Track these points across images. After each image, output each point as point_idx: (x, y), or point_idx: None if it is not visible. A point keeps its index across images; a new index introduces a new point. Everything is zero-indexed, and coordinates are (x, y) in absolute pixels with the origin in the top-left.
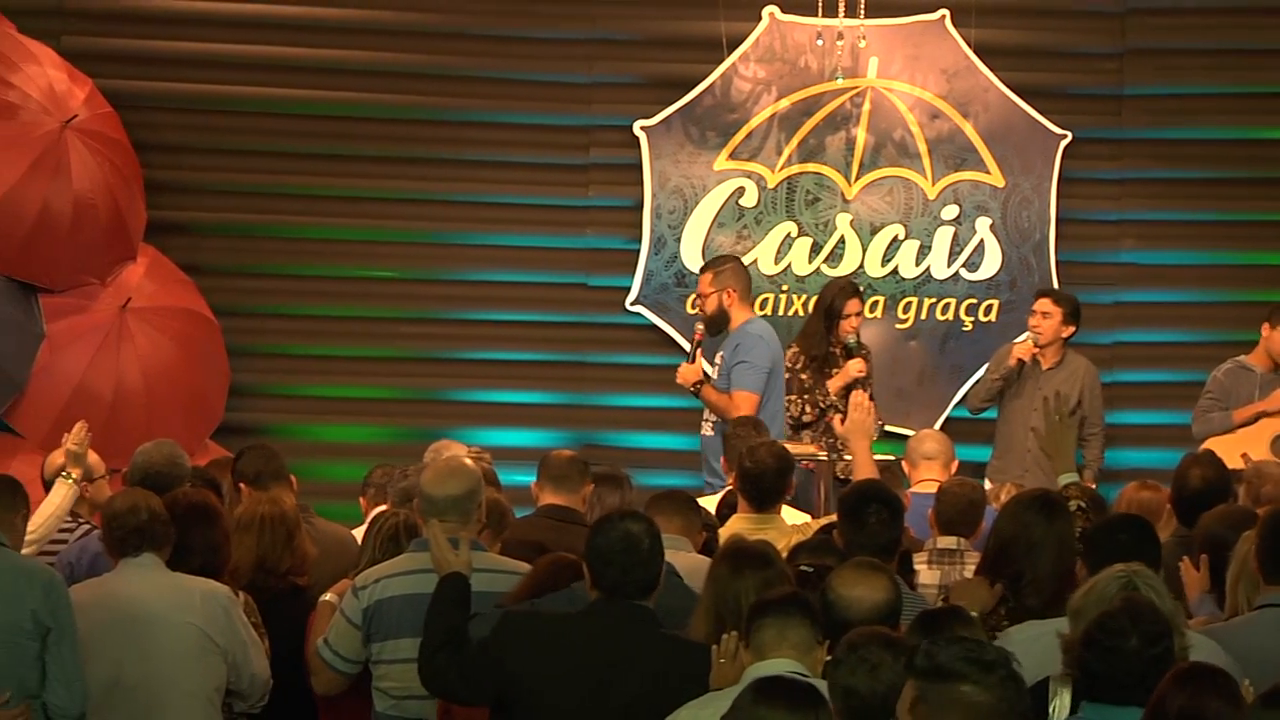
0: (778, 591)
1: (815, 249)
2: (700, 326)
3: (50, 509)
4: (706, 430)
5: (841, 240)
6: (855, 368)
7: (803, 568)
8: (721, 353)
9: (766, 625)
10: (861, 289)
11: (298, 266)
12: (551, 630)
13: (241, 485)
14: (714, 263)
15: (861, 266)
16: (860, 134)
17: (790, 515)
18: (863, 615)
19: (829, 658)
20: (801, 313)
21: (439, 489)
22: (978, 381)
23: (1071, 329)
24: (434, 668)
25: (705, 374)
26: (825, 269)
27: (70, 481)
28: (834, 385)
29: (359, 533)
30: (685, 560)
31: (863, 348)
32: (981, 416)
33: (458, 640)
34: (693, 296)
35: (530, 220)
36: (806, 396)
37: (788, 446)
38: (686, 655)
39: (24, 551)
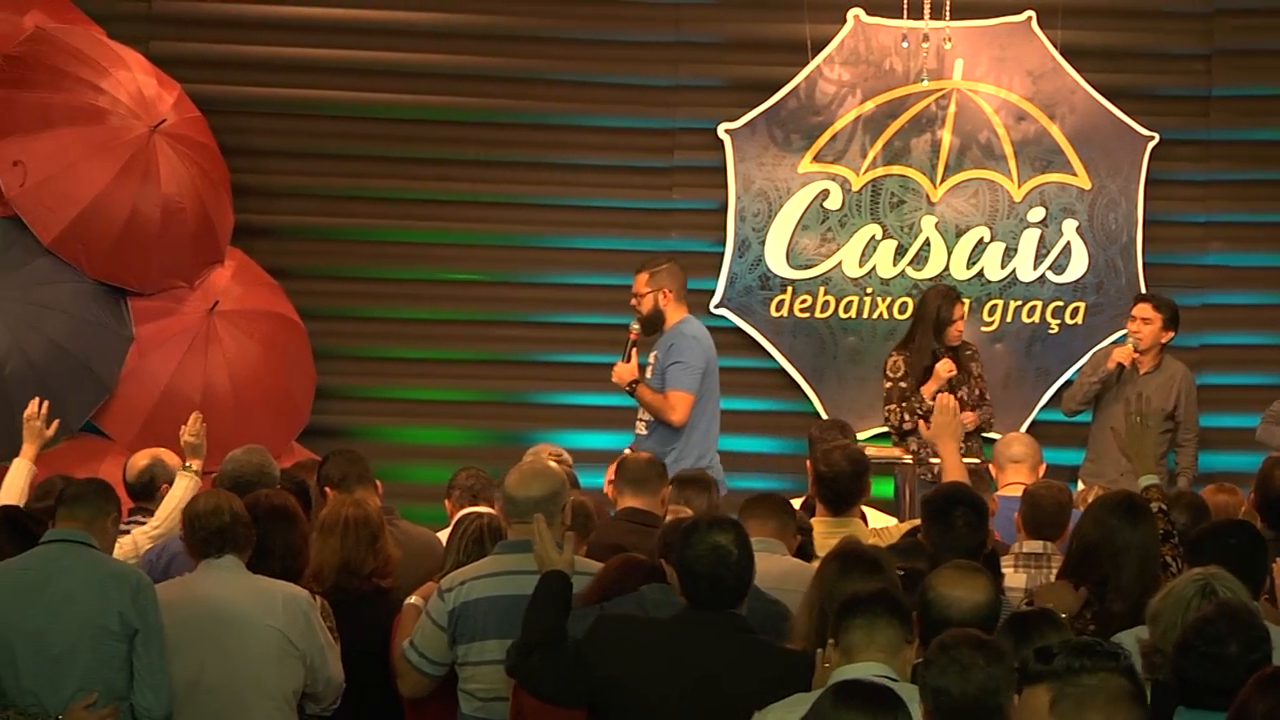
0: (867, 589)
1: (900, 252)
2: (635, 326)
3: (173, 502)
4: (640, 430)
5: (926, 243)
6: (944, 369)
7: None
8: (655, 352)
9: (855, 626)
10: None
11: (383, 270)
12: (646, 636)
13: (327, 489)
14: (650, 263)
15: (946, 269)
16: (945, 136)
17: (877, 519)
18: (962, 616)
19: (919, 659)
20: (886, 316)
21: (522, 491)
22: (1073, 384)
23: (1170, 334)
24: (529, 666)
25: (640, 373)
26: (910, 272)
27: (191, 472)
28: (928, 390)
29: (444, 535)
30: (779, 564)
31: (969, 347)
32: (1072, 420)
33: (555, 639)
34: (779, 298)
35: (614, 223)
36: (905, 405)
37: (870, 450)
38: (780, 661)
39: (151, 546)
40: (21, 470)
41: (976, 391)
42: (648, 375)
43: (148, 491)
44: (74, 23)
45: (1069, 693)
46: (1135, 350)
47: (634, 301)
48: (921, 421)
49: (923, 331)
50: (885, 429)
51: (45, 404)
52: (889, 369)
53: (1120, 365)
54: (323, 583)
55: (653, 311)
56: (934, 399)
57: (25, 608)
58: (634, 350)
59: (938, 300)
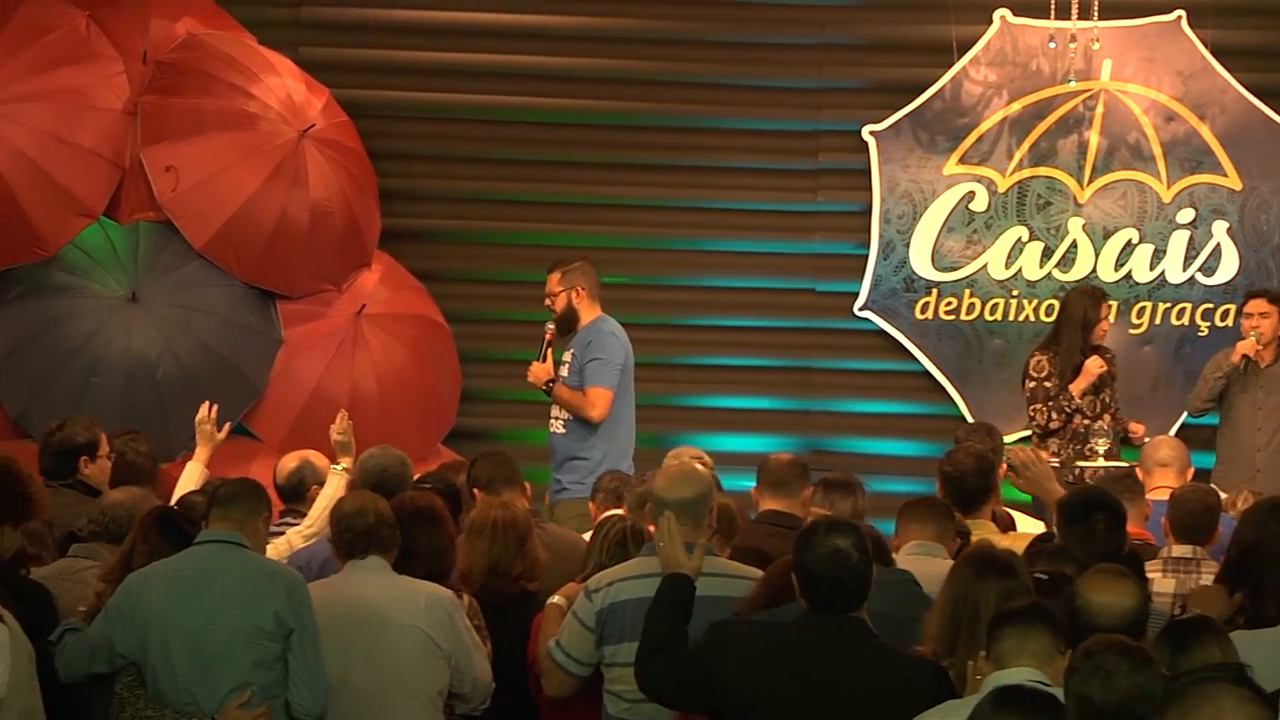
0: (1019, 602)
1: (1047, 254)
2: (550, 326)
3: (325, 500)
4: (557, 429)
5: (1074, 245)
6: (1095, 365)
7: (1037, 575)
8: (572, 350)
9: (1007, 635)
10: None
11: (529, 273)
12: (765, 641)
13: (475, 490)
14: (561, 262)
15: (1094, 271)
16: (1093, 137)
17: (1026, 524)
18: (1111, 621)
19: None
20: (1033, 318)
21: (671, 492)
22: (1198, 382)
23: None
24: (650, 671)
25: (555, 373)
26: (1057, 274)
27: (342, 470)
28: (1077, 388)
29: (589, 537)
30: (939, 567)
31: (1106, 351)
32: (1204, 421)
33: (675, 644)
34: (924, 301)
35: (758, 225)
36: (1051, 404)
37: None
38: (903, 666)
39: (306, 545)
40: (194, 473)
41: (1108, 395)
42: (564, 374)
43: (297, 493)
44: (225, 29)
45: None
46: (1256, 344)
47: (547, 301)
48: (1012, 475)
49: (1070, 332)
50: (1029, 431)
51: (215, 407)
52: (1033, 369)
53: (1245, 358)
54: (471, 585)
55: (566, 310)
56: (1083, 397)
57: (182, 608)
58: (549, 350)
59: (1084, 301)
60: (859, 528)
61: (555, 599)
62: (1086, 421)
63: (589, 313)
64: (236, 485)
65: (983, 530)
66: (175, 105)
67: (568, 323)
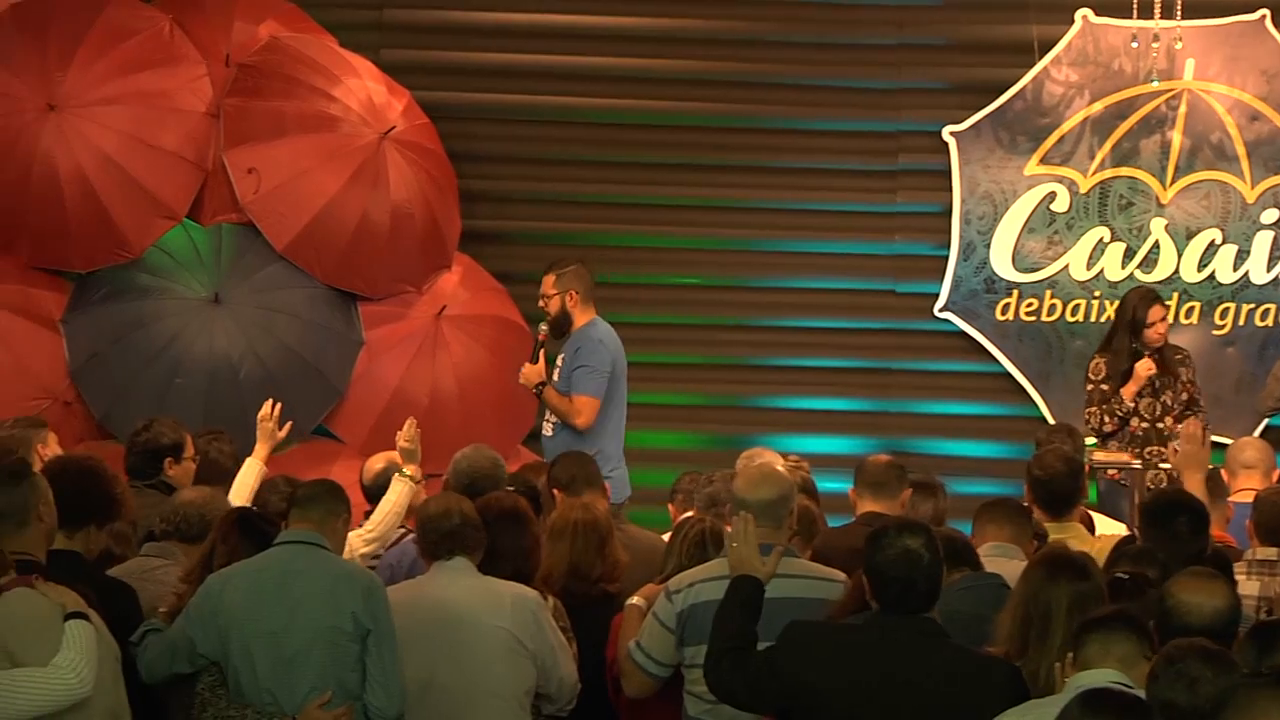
0: (1106, 609)
1: (1129, 254)
2: (544, 327)
3: (389, 506)
4: (546, 431)
5: (1156, 245)
6: (1144, 368)
7: (1119, 575)
8: (563, 354)
9: (1091, 640)
10: (1174, 297)
11: (608, 274)
12: (837, 642)
13: (555, 491)
14: (557, 264)
15: (1177, 272)
16: (1176, 137)
17: (1106, 526)
18: (1203, 622)
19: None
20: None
21: (752, 493)
22: (1268, 382)
23: None
24: (719, 672)
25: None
26: (1139, 274)
27: (406, 478)
28: (1128, 391)
29: (668, 538)
30: (1017, 568)
31: (1179, 351)
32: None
33: (745, 645)
34: (1004, 302)
35: (838, 226)
36: (1105, 407)
37: (1099, 455)
38: (975, 666)
39: (367, 550)
40: (252, 470)
41: (1185, 396)
42: (554, 378)
43: (383, 494)
44: (307, 32)
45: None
46: None
47: (541, 303)
48: (1172, 447)
49: (1121, 333)
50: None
51: (278, 406)
52: (1090, 371)
53: None
54: (551, 586)
55: (560, 313)
56: (1135, 401)
57: (262, 608)
58: (542, 351)
59: (1134, 301)
60: (930, 529)
61: (634, 600)
62: (1145, 425)
63: (582, 316)
64: (316, 486)
65: (1072, 534)
66: (257, 108)
67: (561, 325)
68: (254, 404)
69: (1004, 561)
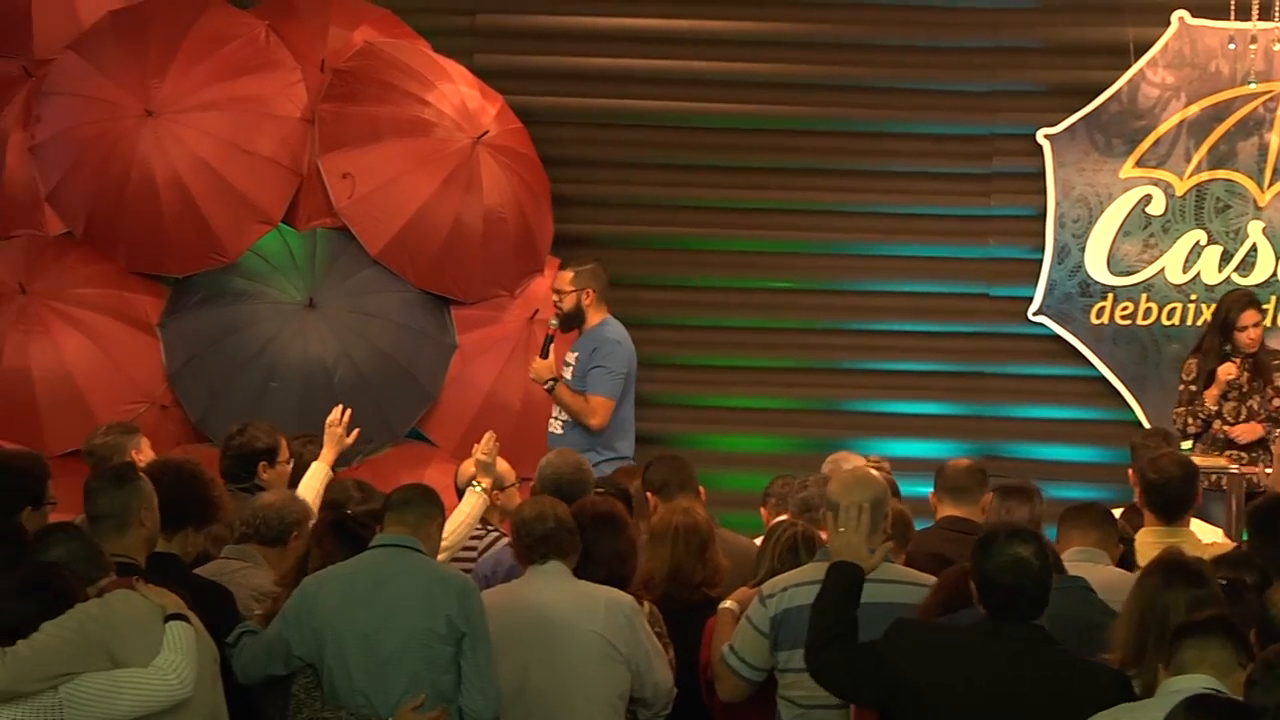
0: (1203, 614)
1: (1225, 257)
2: (554, 323)
3: (460, 518)
4: (555, 429)
5: (1253, 248)
6: (1224, 372)
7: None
8: (576, 352)
9: (1187, 646)
10: (1272, 301)
11: (701, 278)
12: (945, 643)
13: (649, 494)
14: (574, 261)
15: (1274, 275)
16: (1274, 140)
17: (1204, 531)
18: None
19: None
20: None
21: (846, 497)
22: None
23: None
24: (822, 661)
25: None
26: (1236, 278)
27: (479, 490)
28: (1210, 395)
29: (760, 542)
30: (1102, 574)
31: (1277, 355)
32: None
33: (849, 633)
34: (1099, 306)
35: (932, 230)
36: (1189, 409)
37: (1197, 459)
38: (1084, 674)
39: (437, 559)
40: (318, 474)
41: (1276, 402)
42: (567, 375)
43: None
44: (401, 37)
45: None
46: None
47: (555, 299)
48: (1262, 468)
49: (1213, 335)
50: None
51: (348, 412)
52: (1183, 372)
53: None
54: (653, 591)
55: (574, 310)
56: (1219, 404)
57: (357, 610)
58: (551, 347)
59: (1229, 304)
60: (1040, 536)
61: (727, 604)
62: (1226, 428)
63: (595, 314)
64: (411, 490)
65: (1184, 539)
66: (352, 113)
67: (572, 322)
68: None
69: (1089, 567)
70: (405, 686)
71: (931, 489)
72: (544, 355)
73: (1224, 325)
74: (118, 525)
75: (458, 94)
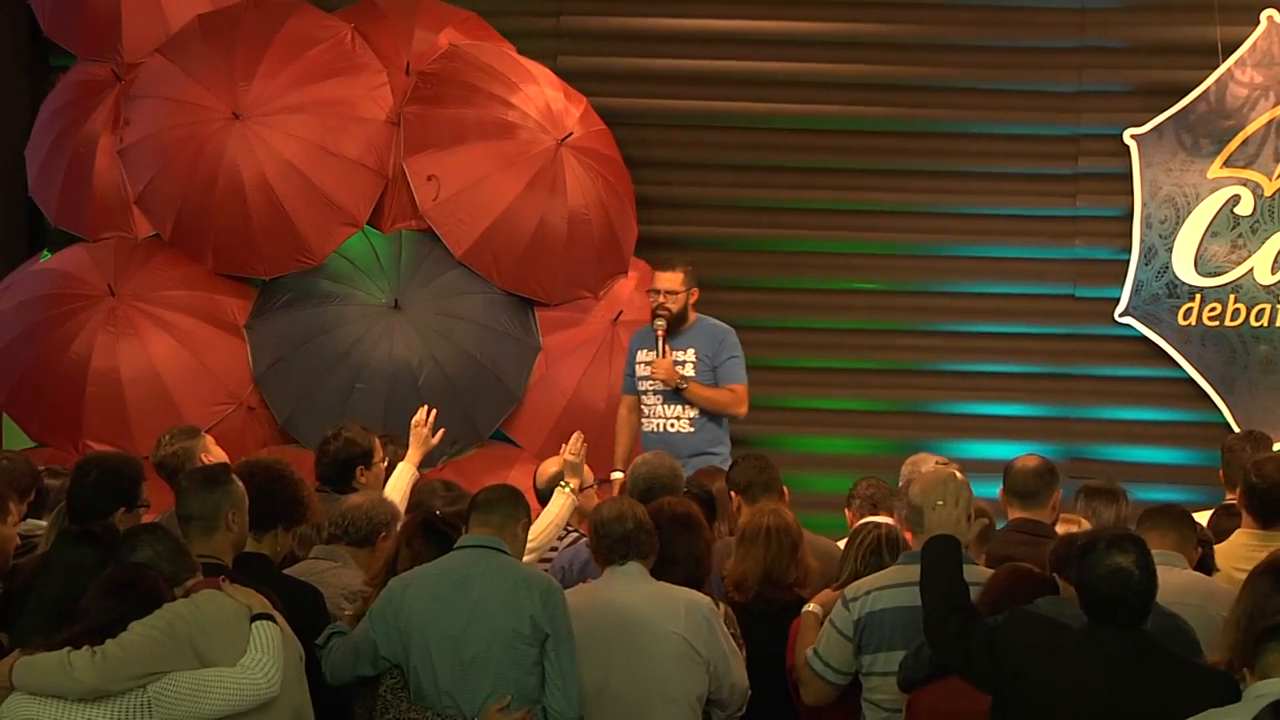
0: None
1: None
2: (663, 323)
3: (549, 518)
4: (683, 427)
5: None
6: None
7: None
8: (691, 348)
9: (1271, 648)
10: None
11: (785, 279)
12: (1058, 643)
13: (734, 494)
14: (679, 262)
15: None
16: None
17: None
18: None
19: None
20: None
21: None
22: None
23: None
24: (944, 633)
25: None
26: None
27: (568, 491)
28: None
29: (844, 544)
30: (1179, 577)
31: None
32: None
33: (966, 605)
34: (1187, 306)
35: (1017, 231)
36: None
37: None
38: (1193, 677)
39: (524, 559)
40: (404, 475)
41: None
42: (689, 373)
43: None
44: (486, 39)
45: None
46: None
47: (665, 299)
48: None
49: None
50: None
51: (433, 412)
52: None
53: None
54: (745, 592)
55: (682, 309)
56: None
57: (442, 611)
58: (666, 348)
59: None
60: (1141, 543)
61: (811, 607)
62: None
63: (693, 312)
64: (496, 491)
65: None
66: (437, 115)
67: (679, 321)
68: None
69: (1166, 570)
70: (490, 687)
71: (1000, 488)
72: (661, 355)
73: None
74: (206, 527)
75: (542, 96)
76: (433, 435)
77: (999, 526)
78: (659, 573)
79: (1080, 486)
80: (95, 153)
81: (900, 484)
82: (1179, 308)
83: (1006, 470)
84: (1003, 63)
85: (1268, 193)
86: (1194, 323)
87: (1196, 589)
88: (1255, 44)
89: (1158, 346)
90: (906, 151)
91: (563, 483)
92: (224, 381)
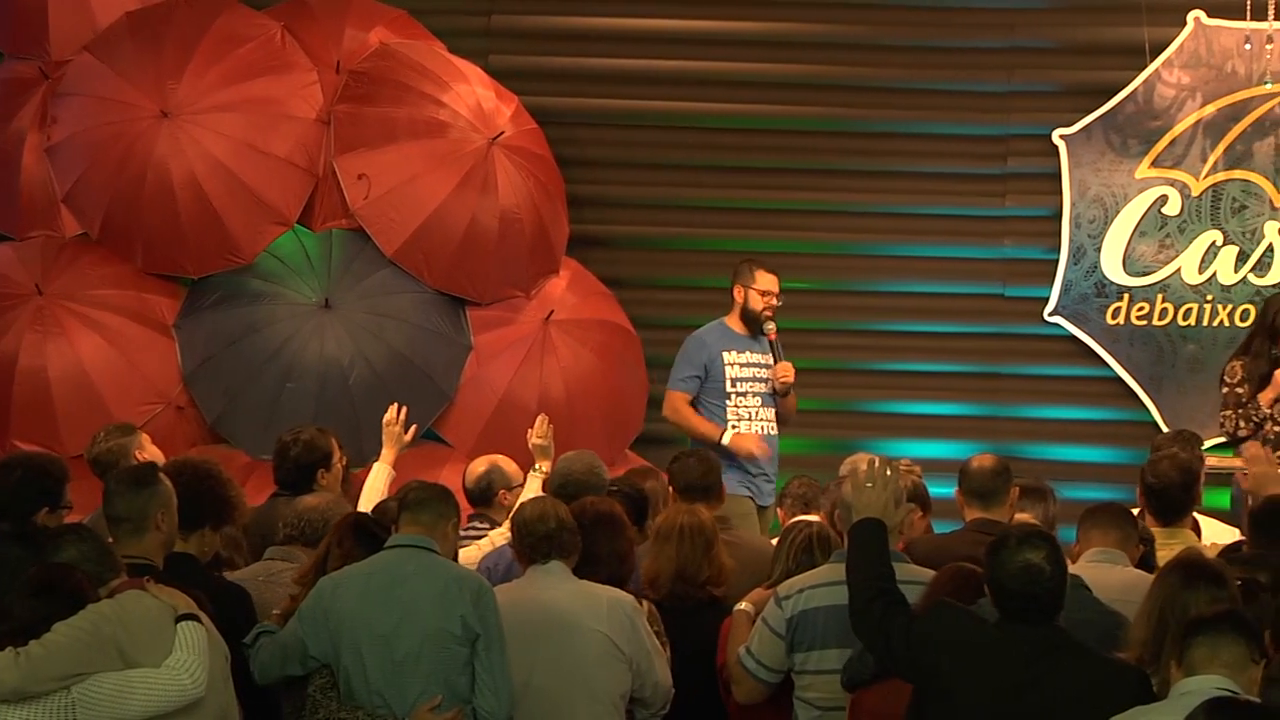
0: (1213, 609)
1: (1241, 258)
2: (772, 326)
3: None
4: (775, 430)
5: (1270, 248)
6: None
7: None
8: (760, 355)
9: (1198, 643)
10: None
11: (717, 279)
12: (975, 637)
13: (672, 489)
14: (767, 265)
15: None
16: None
17: (1213, 530)
18: None
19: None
20: (1226, 323)
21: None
22: None
23: None
24: (870, 615)
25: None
26: (1252, 278)
27: (541, 474)
28: (1265, 398)
29: (776, 543)
30: (1122, 575)
31: None
32: None
33: (891, 589)
34: (1115, 306)
35: (947, 231)
36: (1240, 411)
37: (1212, 460)
38: (1105, 671)
39: (497, 544)
40: (381, 474)
41: None
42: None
43: (485, 497)
44: (417, 38)
45: None
46: None
47: (774, 300)
48: (1241, 476)
49: (1260, 338)
50: (1222, 439)
51: (404, 409)
52: (1226, 374)
53: None
54: (658, 590)
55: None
56: (1271, 407)
57: (373, 611)
58: (780, 351)
59: (1274, 308)
60: (1052, 539)
61: (743, 605)
62: (1278, 429)
63: None
64: (426, 490)
65: (1181, 541)
66: (368, 114)
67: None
68: (364, 408)
69: (1108, 568)
70: (421, 687)
71: (956, 488)
72: (777, 360)
73: (1271, 328)
74: (135, 528)
75: (473, 95)
76: (405, 432)
77: (958, 528)
78: (582, 571)
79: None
80: (22, 151)
81: (829, 484)
82: (1107, 307)
83: (963, 471)
84: (932, 62)
85: (1195, 193)
86: (1122, 322)
87: (1139, 586)
88: (1183, 45)
89: (1086, 345)
90: (837, 151)
91: (535, 466)
92: (153, 381)
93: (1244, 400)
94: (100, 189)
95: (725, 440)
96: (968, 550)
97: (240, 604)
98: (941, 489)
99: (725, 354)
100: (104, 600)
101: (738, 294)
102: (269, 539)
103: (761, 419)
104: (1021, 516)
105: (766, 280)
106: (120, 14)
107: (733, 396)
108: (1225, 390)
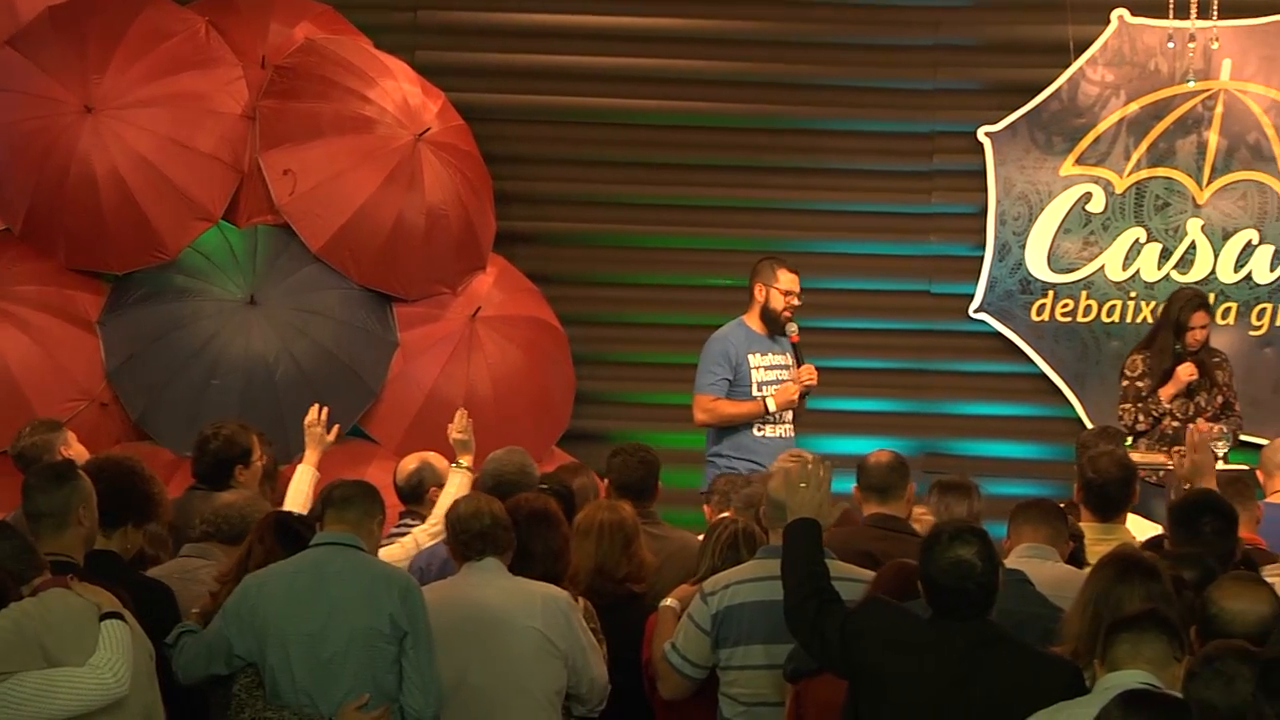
0: (1135, 609)
1: (1165, 255)
2: (795, 328)
3: (448, 499)
4: (790, 434)
5: (1192, 246)
6: (1185, 373)
7: None
8: (786, 353)
9: (1121, 640)
10: (1210, 298)
11: (644, 275)
12: (907, 634)
13: (607, 482)
14: (788, 264)
15: (1213, 272)
16: (1212, 138)
17: (1138, 526)
18: (1247, 629)
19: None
20: (1150, 320)
21: (790, 486)
22: None
23: None
24: (804, 613)
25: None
26: (1175, 275)
27: (463, 469)
28: (1165, 393)
29: (701, 539)
30: (1052, 571)
31: (1216, 354)
32: None
33: (826, 588)
34: (1040, 303)
35: (873, 227)
36: (1140, 405)
37: (1136, 456)
38: (1036, 666)
39: (432, 543)
40: (306, 476)
41: (1220, 399)
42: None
43: (416, 494)
44: (342, 34)
45: None
46: None
47: (795, 301)
48: (1177, 457)
49: (1165, 332)
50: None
51: (325, 410)
52: (1126, 368)
53: None
54: (577, 586)
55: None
56: (1171, 402)
57: (300, 609)
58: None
59: (1180, 303)
60: (984, 535)
61: (668, 601)
62: (1176, 424)
63: None
64: (351, 487)
65: (1119, 537)
66: (293, 109)
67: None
68: (290, 405)
69: (1039, 563)
70: (348, 686)
71: (854, 484)
72: (800, 363)
73: (1176, 324)
74: (56, 524)
75: (399, 90)
76: (328, 432)
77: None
78: (516, 568)
79: (934, 481)
80: None
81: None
82: (1032, 304)
83: (860, 466)
84: (858, 60)
85: (1119, 190)
86: (1047, 318)
87: (1070, 581)
88: (1106, 43)
89: (1011, 342)
90: (763, 148)
91: (456, 462)
92: (76, 378)
93: (1144, 394)
94: (23, 184)
95: (771, 407)
96: (866, 545)
97: (164, 601)
98: None
99: (751, 356)
100: (26, 599)
101: (759, 293)
102: (184, 533)
103: (785, 423)
104: (919, 511)
105: (788, 279)
106: (43, 8)
107: (758, 400)
108: (1125, 384)
